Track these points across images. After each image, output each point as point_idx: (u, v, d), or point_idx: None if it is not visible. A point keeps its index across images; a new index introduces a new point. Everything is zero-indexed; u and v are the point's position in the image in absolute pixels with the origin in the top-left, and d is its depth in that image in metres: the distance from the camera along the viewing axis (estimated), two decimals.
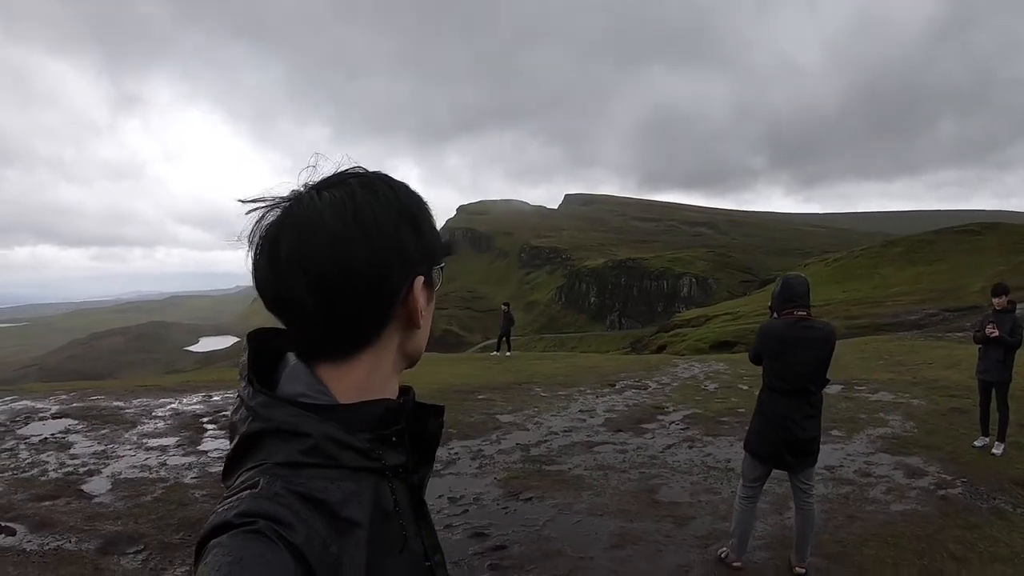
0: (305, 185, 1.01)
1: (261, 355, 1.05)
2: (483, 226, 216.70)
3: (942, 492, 7.41)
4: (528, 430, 10.76)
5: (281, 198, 1.00)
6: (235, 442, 0.97)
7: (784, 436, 5.21)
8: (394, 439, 1.03)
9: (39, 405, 12.85)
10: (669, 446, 9.55)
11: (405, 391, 1.10)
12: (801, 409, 5.22)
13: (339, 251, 0.95)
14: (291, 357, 1.05)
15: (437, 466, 8.71)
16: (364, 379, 1.03)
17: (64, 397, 13.91)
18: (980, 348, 9.13)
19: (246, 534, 0.83)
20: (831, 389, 13.56)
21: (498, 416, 11.81)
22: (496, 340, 25.69)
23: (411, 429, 1.07)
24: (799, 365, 5.19)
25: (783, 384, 5.24)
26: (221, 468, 1.01)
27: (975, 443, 9.07)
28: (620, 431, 10.52)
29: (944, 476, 7.93)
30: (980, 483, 7.62)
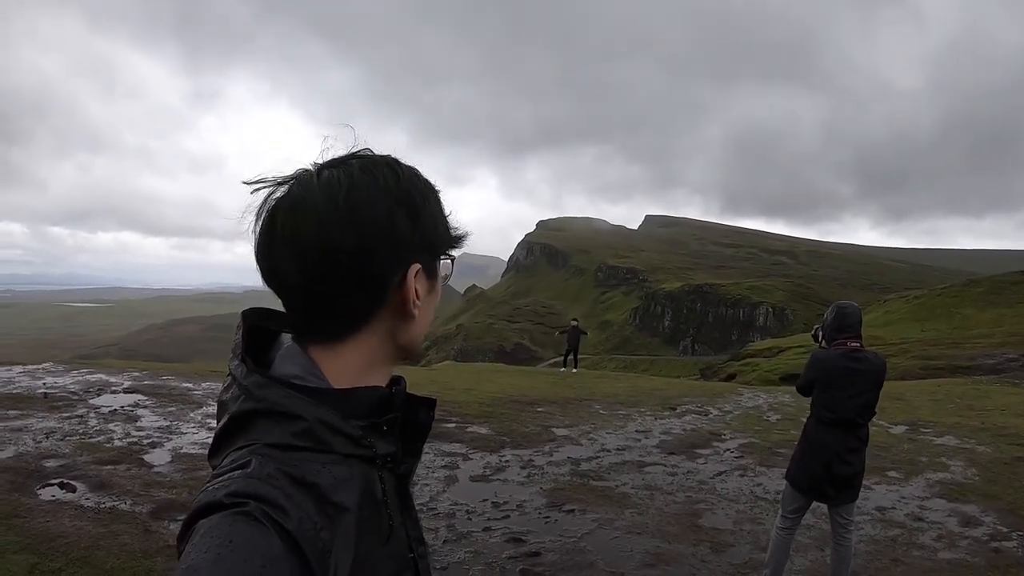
0: (313, 164, 1.03)
1: (256, 334, 1.06)
2: (560, 242, 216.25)
3: (995, 544, 7.20)
4: (581, 445, 10.83)
5: (287, 177, 1.02)
6: (225, 421, 0.96)
7: (827, 468, 5.18)
8: (385, 428, 1.03)
9: (113, 379, 13.53)
10: (720, 473, 9.50)
11: (396, 381, 1.10)
12: (847, 442, 5.18)
13: (326, 230, 0.96)
14: (286, 338, 1.06)
15: (486, 471, 8.88)
16: (356, 364, 1.03)
17: (137, 375, 14.58)
18: None
19: (236, 516, 0.81)
20: (895, 429, 13.28)
21: (553, 429, 11.90)
22: (563, 356, 25.70)
23: (403, 419, 1.07)
24: (850, 397, 5.14)
25: (832, 415, 5.20)
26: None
27: None
28: (673, 454, 10.50)
29: (1000, 527, 7.70)
30: None
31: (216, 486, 0.86)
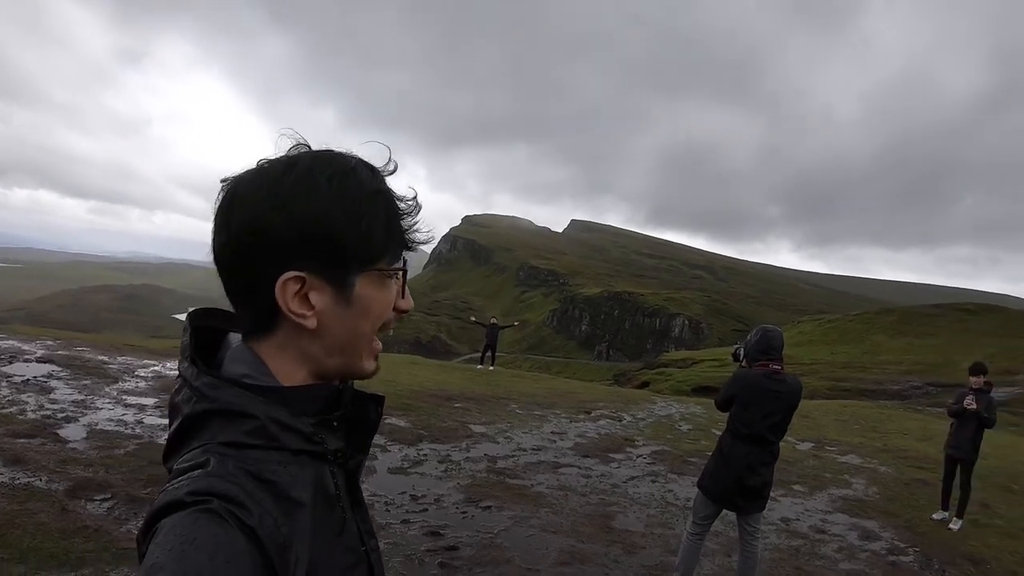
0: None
1: (203, 334, 1.07)
2: (485, 239, 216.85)
3: (893, 558, 7.49)
4: (498, 443, 10.85)
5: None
6: (179, 422, 0.96)
7: (739, 480, 5.35)
8: (335, 424, 1.05)
9: (25, 347, 12.98)
10: (632, 477, 9.63)
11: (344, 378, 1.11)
12: (759, 456, 5.38)
13: (227, 226, 0.98)
14: (233, 337, 1.07)
15: (404, 464, 8.83)
16: (297, 361, 1.02)
17: (51, 344, 14.02)
18: (953, 423, 9.19)
19: (199, 513, 0.82)
20: (802, 446, 13.70)
21: (471, 425, 11.89)
22: (481, 352, 25.70)
23: (352, 415, 1.09)
24: (766, 416, 5.34)
25: (747, 431, 5.37)
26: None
27: (933, 516, 9.15)
28: (587, 456, 10.60)
29: (898, 543, 8.02)
30: (933, 555, 7.69)
31: (176, 485, 0.86)
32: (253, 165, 1.02)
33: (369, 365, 1.08)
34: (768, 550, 7.13)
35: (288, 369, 1.02)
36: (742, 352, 5.61)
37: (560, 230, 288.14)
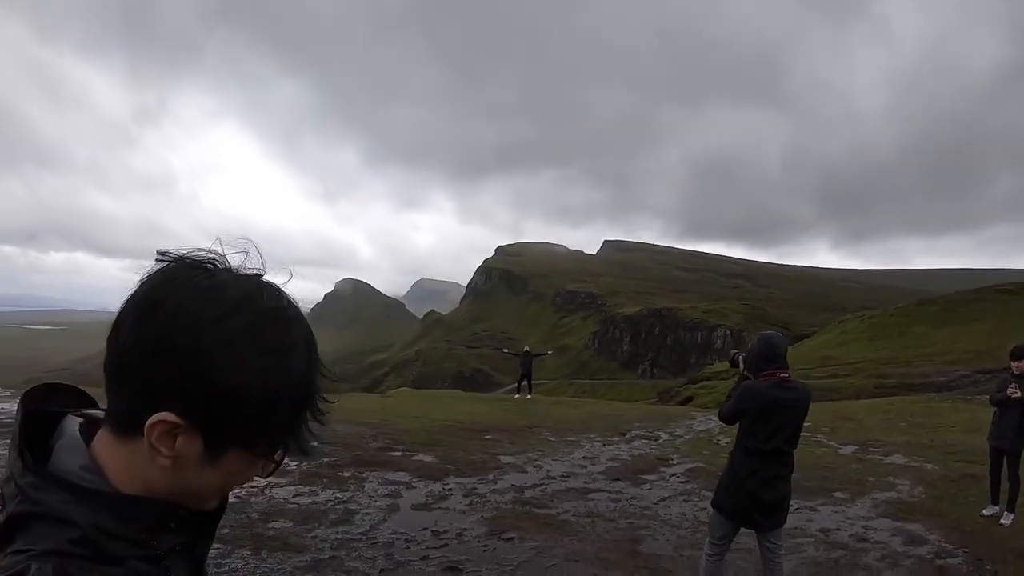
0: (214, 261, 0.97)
1: (38, 418, 0.99)
2: (519, 268, 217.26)
3: (940, 562, 7.14)
4: (526, 472, 10.65)
5: (199, 259, 0.96)
6: (3, 520, 0.92)
7: (753, 495, 5.06)
8: (173, 525, 0.97)
9: None
10: (664, 498, 9.36)
11: None
12: (775, 470, 5.08)
13: (139, 330, 0.92)
14: (70, 422, 1.00)
15: (428, 500, 8.71)
16: (135, 474, 0.95)
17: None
18: (995, 412, 8.79)
19: None
20: (844, 450, 13.29)
21: (500, 456, 11.70)
22: (517, 382, 25.52)
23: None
24: (780, 427, 5.06)
25: (761, 445, 5.08)
26: None
27: (983, 512, 8.72)
28: (618, 480, 10.34)
29: (945, 545, 7.64)
30: (982, 554, 7.33)
31: None
32: (197, 269, 0.95)
33: (210, 505, 1.02)
34: (804, 564, 6.83)
35: (126, 478, 0.94)
36: (741, 360, 5.36)
37: (594, 252, 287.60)
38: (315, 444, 1.03)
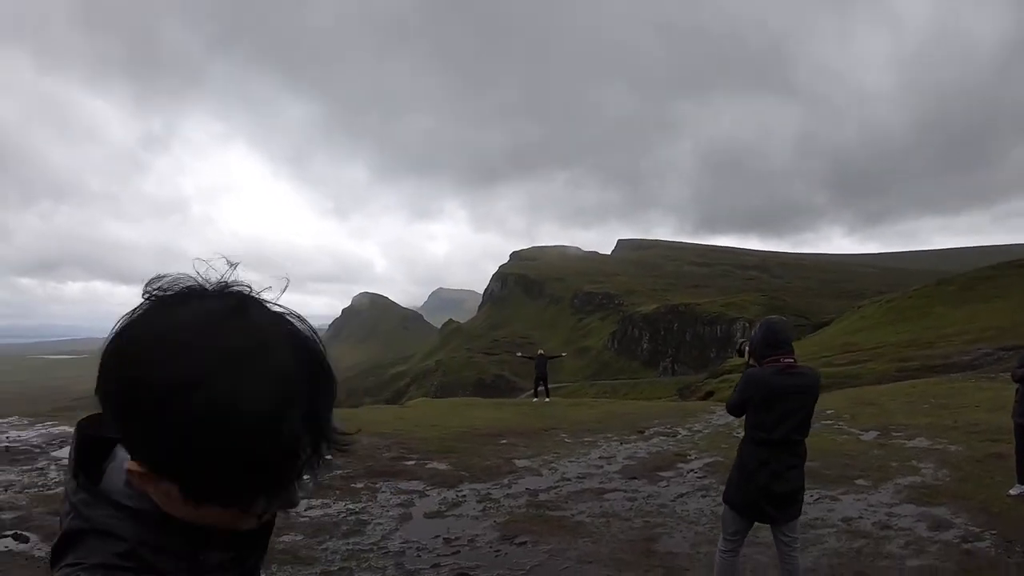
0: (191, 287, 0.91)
1: (92, 444, 0.97)
2: (535, 272, 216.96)
3: (967, 546, 6.93)
4: (541, 475, 10.52)
5: (187, 286, 0.91)
6: (58, 537, 0.94)
7: (765, 488, 4.88)
8: (217, 542, 0.95)
9: None
10: (681, 495, 9.18)
11: None
12: (785, 460, 4.89)
13: (115, 376, 0.89)
14: (121, 448, 0.97)
15: (441, 507, 8.60)
16: (167, 491, 0.89)
17: None
18: (1018, 389, 8.59)
19: None
20: (866, 436, 13.07)
21: (515, 460, 11.57)
22: (533, 386, 25.40)
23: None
24: (788, 415, 4.86)
25: (769, 435, 4.89)
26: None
27: (1010, 491, 8.49)
28: (634, 478, 10.17)
29: (972, 528, 7.43)
30: (1011, 535, 7.12)
31: None
32: (162, 307, 0.90)
33: (245, 526, 0.95)
34: (826, 555, 6.64)
35: (165, 495, 0.91)
36: (747, 348, 5.18)
37: (608, 252, 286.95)
38: (302, 495, 0.96)
